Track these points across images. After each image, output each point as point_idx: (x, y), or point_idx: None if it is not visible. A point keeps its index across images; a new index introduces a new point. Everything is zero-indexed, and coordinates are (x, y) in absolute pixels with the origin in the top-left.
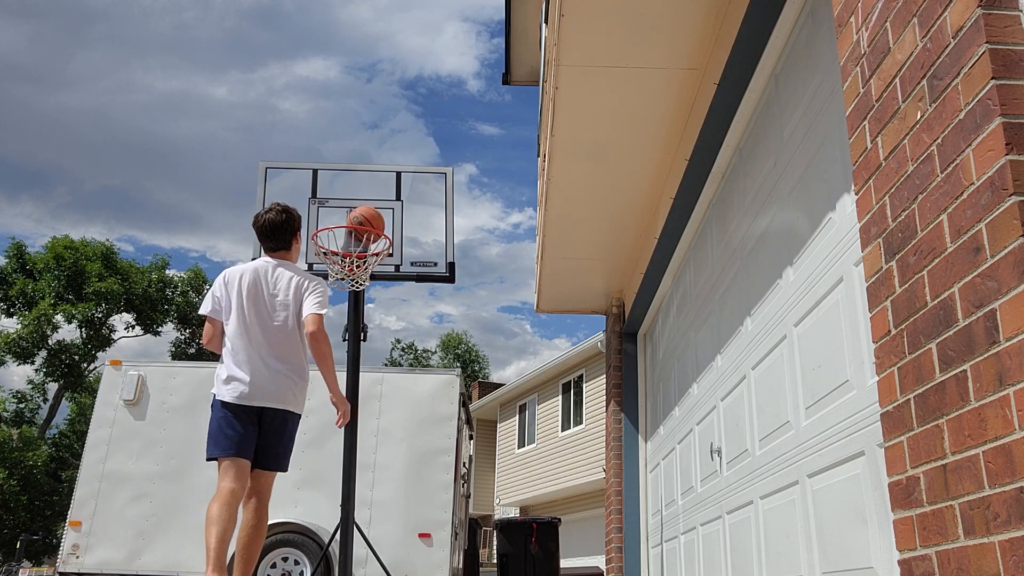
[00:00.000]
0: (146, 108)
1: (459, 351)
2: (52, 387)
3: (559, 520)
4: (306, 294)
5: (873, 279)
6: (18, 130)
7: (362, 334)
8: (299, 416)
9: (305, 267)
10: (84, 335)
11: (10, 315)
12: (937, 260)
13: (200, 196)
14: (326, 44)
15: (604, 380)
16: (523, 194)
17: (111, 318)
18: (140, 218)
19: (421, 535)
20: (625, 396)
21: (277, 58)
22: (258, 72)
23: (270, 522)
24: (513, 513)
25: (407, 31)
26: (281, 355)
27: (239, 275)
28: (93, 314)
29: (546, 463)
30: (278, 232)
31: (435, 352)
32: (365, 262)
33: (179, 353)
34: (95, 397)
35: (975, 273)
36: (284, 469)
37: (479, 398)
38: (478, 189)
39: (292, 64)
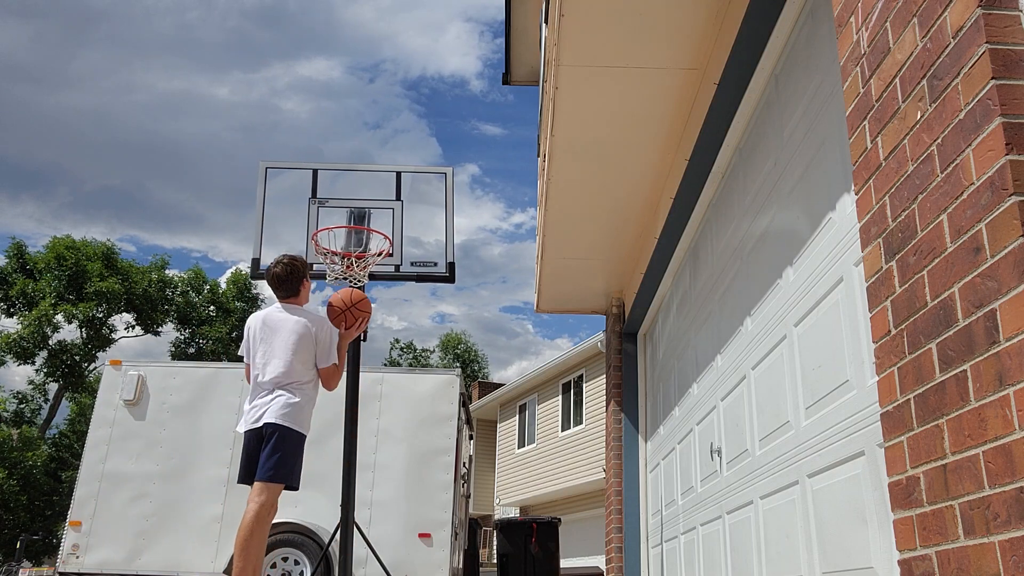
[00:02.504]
0: (148, 108)
1: (458, 351)
2: (52, 387)
3: (559, 520)
4: (317, 344)
5: (873, 279)
6: (19, 130)
7: (362, 334)
8: (289, 428)
9: None
10: (84, 335)
11: (10, 315)
12: (937, 260)
13: (202, 196)
14: (329, 44)
15: (604, 380)
16: (525, 194)
17: (111, 318)
18: (142, 218)
19: (421, 535)
20: (625, 396)
21: (279, 58)
22: (260, 72)
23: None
24: (513, 513)
25: (410, 31)
26: (280, 385)
27: (257, 321)
28: (93, 314)
29: (546, 463)
30: (285, 283)
31: (434, 351)
32: (364, 261)
33: (179, 353)
34: (95, 397)
35: (975, 273)
36: (267, 479)
37: (479, 398)
38: (480, 189)
39: (294, 64)
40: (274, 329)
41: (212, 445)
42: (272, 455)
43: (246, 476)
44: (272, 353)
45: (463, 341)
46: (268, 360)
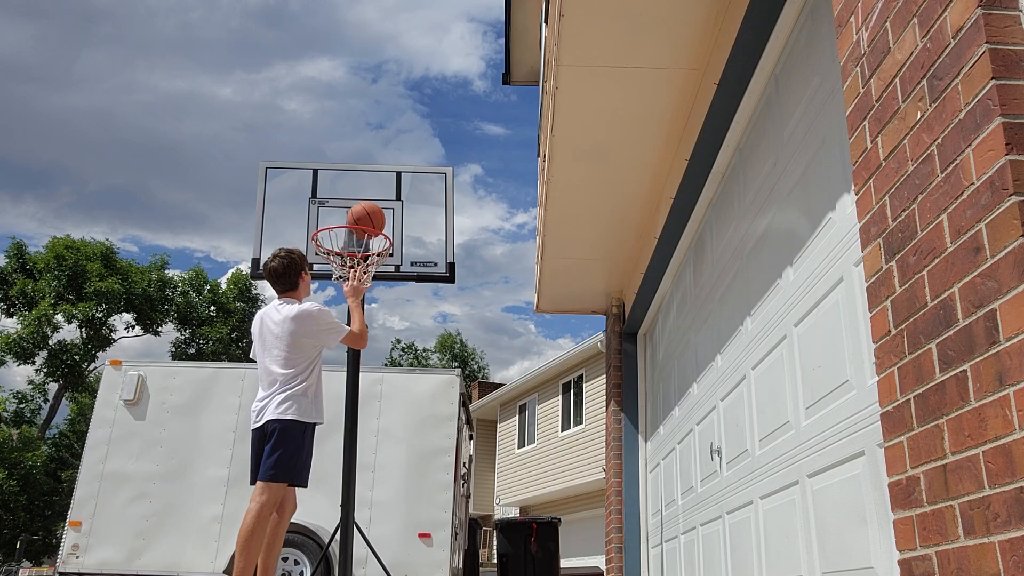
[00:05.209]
0: (151, 108)
1: (455, 351)
2: (52, 387)
3: (559, 520)
4: (317, 331)
5: (873, 279)
6: (22, 130)
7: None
8: (290, 421)
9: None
10: (84, 335)
11: (10, 315)
12: (937, 260)
13: (204, 196)
14: (332, 44)
15: (604, 380)
16: (528, 194)
17: (111, 318)
18: (144, 218)
19: (421, 535)
20: (625, 396)
21: (282, 58)
22: (263, 72)
23: None
24: (513, 513)
25: (413, 31)
26: (276, 382)
27: (257, 321)
28: (93, 314)
29: (546, 463)
30: (282, 277)
31: (434, 352)
32: (367, 260)
33: (179, 353)
34: (95, 397)
35: (975, 273)
36: (267, 479)
37: (479, 398)
38: (483, 189)
39: (297, 64)
40: (270, 327)
41: (212, 445)
42: (272, 453)
43: (252, 476)
44: (268, 351)
45: (458, 341)
46: (266, 358)
